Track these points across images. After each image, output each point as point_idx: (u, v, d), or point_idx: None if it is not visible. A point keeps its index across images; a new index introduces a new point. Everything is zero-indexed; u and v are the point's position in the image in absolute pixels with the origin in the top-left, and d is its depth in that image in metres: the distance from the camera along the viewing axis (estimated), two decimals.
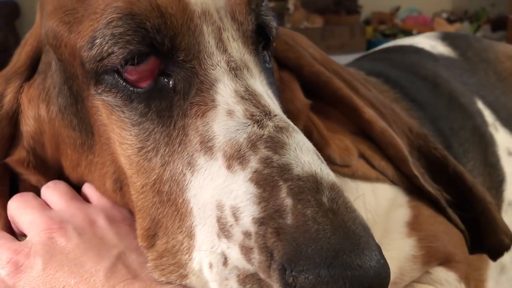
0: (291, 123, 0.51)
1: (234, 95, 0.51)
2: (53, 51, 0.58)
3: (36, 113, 0.62)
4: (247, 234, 0.44)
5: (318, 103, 0.76)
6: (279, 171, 0.45)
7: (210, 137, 0.49)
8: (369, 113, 0.75)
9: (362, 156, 0.75)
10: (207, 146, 0.49)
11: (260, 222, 0.44)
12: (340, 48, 4.85)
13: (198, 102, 0.51)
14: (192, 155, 0.50)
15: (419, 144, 0.82)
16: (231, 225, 0.46)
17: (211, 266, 0.47)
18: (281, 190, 0.44)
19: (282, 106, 0.68)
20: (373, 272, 0.41)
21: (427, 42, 1.36)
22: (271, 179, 0.45)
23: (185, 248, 0.50)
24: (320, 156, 0.50)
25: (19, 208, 0.61)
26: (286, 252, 0.41)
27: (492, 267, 1.00)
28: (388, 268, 0.43)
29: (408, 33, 4.57)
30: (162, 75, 0.52)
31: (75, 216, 0.58)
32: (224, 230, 0.46)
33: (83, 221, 0.57)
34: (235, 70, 0.52)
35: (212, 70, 0.52)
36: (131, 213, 0.58)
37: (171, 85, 0.52)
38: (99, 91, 0.54)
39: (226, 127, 0.49)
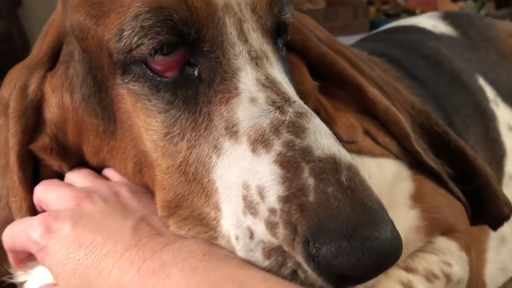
0: (309, 109, 0.55)
1: (256, 83, 0.54)
2: (77, 42, 0.61)
3: (60, 102, 0.65)
4: (272, 211, 0.48)
5: (324, 83, 0.79)
6: (301, 154, 0.49)
7: (234, 123, 0.53)
8: (373, 92, 0.78)
9: (367, 133, 0.78)
10: (232, 131, 0.53)
11: (285, 199, 0.47)
12: (343, 29, 4.83)
13: (222, 90, 0.54)
14: (217, 139, 0.53)
15: (421, 121, 0.85)
16: (257, 203, 0.49)
17: (237, 238, 0.51)
18: (303, 171, 0.48)
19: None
20: (388, 243, 0.45)
21: (428, 21, 1.38)
22: (294, 160, 0.49)
23: (212, 217, 0.53)
24: (336, 139, 0.53)
25: (46, 189, 0.65)
26: (309, 226, 0.45)
27: (493, 238, 1.05)
28: (401, 240, 0.47)
29: (411, 12, 4.55)
30: (187, 65, 0.56)
31: (100, 188, 0.62)
32: (250, 207, 0.50)
33: (107, 191, 0.62)
34: (256, 59, 0.56)
35: (235, 59, 0.55)
36: (151, 191, 0.62)
37: (196, 74, 0.55)
38: (126, 80, 0.57)
39: (250, 113, 0.52)
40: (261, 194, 0.49)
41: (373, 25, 4.61)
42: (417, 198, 0.76)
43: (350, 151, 0.73)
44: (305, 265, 0.46)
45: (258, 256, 0.49)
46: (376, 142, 0.78)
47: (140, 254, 0.51)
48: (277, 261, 0.48)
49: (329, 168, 0.48)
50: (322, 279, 0.47)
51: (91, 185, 0.64)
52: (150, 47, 0.53)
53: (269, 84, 0.54)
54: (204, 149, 0.54)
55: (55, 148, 0.67)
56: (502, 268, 1.07)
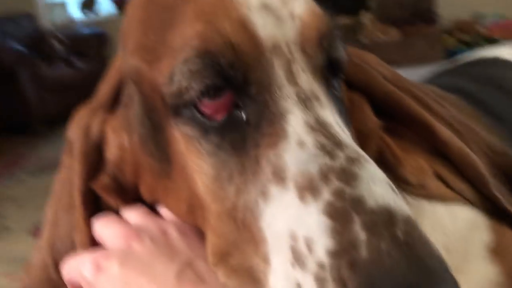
0: (363, 154, 0.51)
1: (304, 126, 0.51)
2: (135, 85, 0.63)
3: (119, 142, 0.66)
4: (321, 266, 0.45)
5: (391, 124, 0.75)
6: (352, 204, 0.45)
7: (282, 168, 0.50)
8: (445, 132, 0.73)
9: (438, 176, 0.72)
10: (279, 176, 0.50)
11: (335, 254, 0.44)
12: (418, 60, 4.71)
13: (270, 133, 0.52)
14: (265, 185, 0.51)
15: (500, 163, 0.79)
16: (305, 256, 0.46)
17: None
18: (355, 223, 0.44)
19: (352, 127, 0.69)
20: None
21: (511, 52, 1.29)
22: (344, 211, 0.45)
23: (261, 270, 0.51)
24: (394, 188, 0.50)
25: (102, 225, 0.67)
26: (360, 284, 0.42)
27: None
28: None
29: (492, 41, 4.34)
30: (235, 108, 0.55)
31: (150, 227, 0.63)
32: (298, 260, 0.47)
33: (157, 231, 0.62)
34: (305, 101, 0.53)
35: (283, 101, 0.53)
36: (202, 232, 0.61)
37: (244, 118, 0.54)
38: (177, 123, 0.57)
39: (298, 158, 0.50)
40: (309, 246, 0.46)
41: (450, 54, 4.44)
42: (497, 251, 0.69)
43: (419, 196, 0.69)
44: None
45: None
46: (449, 186, 0.72)
47: None
48: None
49: (382, 221, 0.44)
50: None
51: (143, 222, 0.65)
52: (198, 90, 0.53)
53: (319, 127, 0.51)
54: (251, 195, 0.52)
55: (113, 187, 0.68)
56: None
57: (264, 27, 0.54)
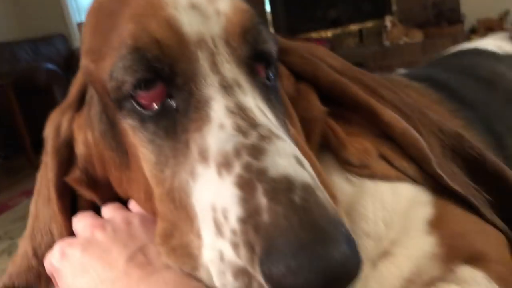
0: (277, 132, 0.56)
1: (225, 110, 0.57)
2: (91, 84, 0.70)
3: (84, 139, 0.73)
4: (234, 232, 0.49)
5: (339, 110, 0.80)
6: (257, 175, 0.50)
7: (205, 148, 0.56)
8: (389, 115, 0.77)
9: (383, 157, 0.77)
10: (203, 156, 0.56)
11: (243, 220, 0.49)
12: None
13: (196, 118, 0.58)
14: (193, 165, 0.57)
15: (452, 144, 0.82)
16: (222, 225, 0.51)
17: (212, 261, 0.53)
18: (258, 191, 0.49)
19: (298, 115, 0.74)
20: (337, 262, 0.44)
21: (493, 43, 1.33)
22: (250, 182, 0.50)
23: (195, 245, 0.56)
24: (302, 160, 0.54)
25: (77, 219, 0.73)
26: (262, 246, 0.46)
27: None
28: (357, 260, 0.46)
29: None
30: (167, 97, 0.61)
31: (116, 218, 0.69)
32: (219, 230, 0.52)
33: (121, 221, 0.68)
34: (227, 88, 0.59)
35: (206, 90, 0.59)
36: None
37: (174, 106, 0.60)
38: (122, 116, 0.64)
39: (218, 138, 0.55)
40: (225, 216, 0.51)
41: None
42: (436, 224, 0.72)
43: (362, 176, 0.74)
44: (265, 286, 0.47)
45: (229, 278, 0.51)
46: (393, 166, 0.76)
47: (126, 283, 0.56)
48: (244, 282, 0.49)
49: (281, 188, 0.48)
50: None
51: (112, 215, 0.71)
52: (131, 83, 0.60)
53: (238, 110, 0.57)
54: (183, 175, 0.58)
55: (85, 180, 0.75)
56: None
57: (190, 24, 0.60)
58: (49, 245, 0.75)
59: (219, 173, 0.53)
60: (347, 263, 0.45)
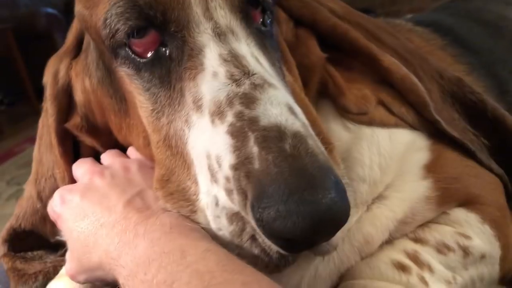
0: (270, 80, 0.56)
1: (218, 58, 0.57)
2: (86, 31, 0.69)
3: (82, 86, 0.73)
4: (227, 178, 0.51)
5: (340, 55, 0.79)
6: (249, 123, 0.51)
7: (199, 97, 0.56)
8: (388, 61, 0.76)
9: (382, 103, 0.76)
10: (197, 105, 0.56)
11: (235, 167, 0.50)
12: None
13: (190, 66, 0.58)
14: (187, 113, 0.57)
15: (452, 90, 0.82)
16: (216, 171, 0.53)
17: (207, 206, 0.55)
18: (250, 140, 0.50)
19: (296, 61, 0.73)
20: (324, 207, 0.45)
21: None
22: (242, 130, 0.51)
23: (192, 191, 0.58)
24: (294, 109, 0.55)
25: (77, 166, 0.74)
26: (254, 192, 0.48)
27: None
28: (344, 207, 0.48)
29: None
30: (161, 45, 0.60)
31: (115, 165, 0.70)
32: (213, 176, 0.53)
33: (119, 167, 0.69)
34: (220, 35, 0.58)
35: (200, 37, 0.58)
36: None
37: (167, 54, 0.60)
38: (118, 63, 0.64)
39: (211, 87, 0.56)
40: (219, 162, 0.52)
41: None
42: (431, 168, 0.73)
43: (360, 122, 0.74)
44: (257, 229, 0.49)
45: (224, 222, 0.53)
46: (392, 112, 0.76)
47: (124, 226, 0.58)
48: (238, 226, 0.51)
49: (272, 136, 0.49)
50: (273, 244, 0.49)
51: (111, 161, 0.72)
52: (123, 31, 0.59)
53: (231, 58, 0.56)
54: (178, 123, 0.58)
55: (85, 126, 0.76)
56: None
57: None
58: (53, 189, 0.77)
59: (213, 121, 0.54)
60: (334, 209, 0.46)
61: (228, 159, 0.51)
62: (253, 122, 0.51)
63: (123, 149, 0.76)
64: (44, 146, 0.80)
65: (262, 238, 0.50)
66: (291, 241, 0.47)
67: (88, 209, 0.63)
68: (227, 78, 0.55)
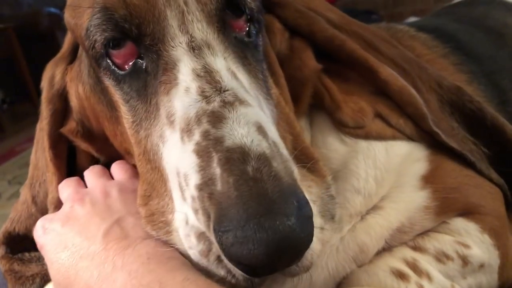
0: (242, 97, 0.55)
1: (191, 73, 0.56)
2: (75, 38, 0.69)
3: (76, 92, 0.73)
4: (193, 198, 0.50)
5: (337, 66, 0.78)
6: (213, 143, 0.50)
7: (172, 112, 0.56)
8: (386, 72, 0.75)
9: (379, 115, 0.76)
10: (170, 120, 0.56)
11: (200, 188, 0.50)
12: None
13: (165, 80, 0.57)
14: (162, 128, 0.57)
15: (450, 99, 0.81)
16: (185, 190, 0.52)
17: (179, 224, 0.54)
18: (213, 160, 0.49)
19: (289, 74, 0.72)
20: (280, 235, 0.44)
21: None
22: (207, 150, 0.50)
23: (169, 209, 0.57)
24: (265, 128, 0.53)
25: (62, 187, 0.74)
26: (215, 214, 0.47)
27: None
28: (304, 233, 0.46)
29: None
30: (138, 58, 0.60)
31: (95, 190, 0.69)
32: (183, 194, 0.53)
33: (99, 193, 0.68)
34: (195, 49, 0.57)
35: (174, 51, 0.58)
36: None
37: (144, 67, 0.60)
38: (102, 73, 0.64)
39: (183, 103, 0.55)
40: (187, 181, 0.52)
41: None
42: (429, 179, 0.73)
43: (357, 136, 0.74)
44: (220, 251, 0.48)
45: (193, 241, 0.52)
46: (389, 124, 0.76)
47: (103, 259, 0.57)
48: (206, 246, 0.51)
49: (235, 158, 0.48)
50: (234, 266, 0.48)
51: (92, 184, 0.71)
52: (100, 42, 0.59)
53: (204, 73, 0.56)
54: (154, 138, 0.58)
55: (80, 131, 0.75)
56: None
57: None
58: (47, 194, 0.78)
59: (182, 138, 0.53)
60: (291, 236, 0.45)
61: (194, 178, 0.50)
62: (217, 142, 0.50)
63: (118, 156, 0.76)
64: (40, 150, 0.81)
65: (226, 260, 0.49)
66: (248, 266, 0.46)
67: (68, 240, 0.63)
68: (198, 94, 0.54)
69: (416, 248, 0.70)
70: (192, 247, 0.52)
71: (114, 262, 0.56)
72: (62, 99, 0.76)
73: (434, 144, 0.76)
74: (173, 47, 0.58)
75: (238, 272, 0.49)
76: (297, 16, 0.76)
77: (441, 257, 0.69)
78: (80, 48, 0.72)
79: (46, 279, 0.79)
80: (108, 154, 0.77)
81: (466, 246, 0.70)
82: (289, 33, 0.77)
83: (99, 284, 0.56)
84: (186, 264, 0.54)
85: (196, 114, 0.53)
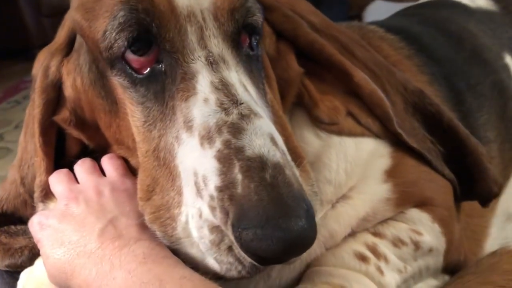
0: (255, 109, 0.62)
1: (210, 85, 0.63)
2: (81, 36, 0.73)
3: (73, 84, 0.77)
4: (212, 197, 0.58)
5: (315, 67, 0.86)
6: (235, 152, 0.58)
7: (190, 119, 0.62)
8: (359, 76, 0.83)
9: (350, 114, 0.84)
10: (188, 126, 0.62)
11: (220, 189, 0.57)
12: None
13: (183, 88, 0.64)
14: (178, 131, 0.63)
15: (414, 101, 0.90)
16: (202, 189, 0.59)
17: (192, 217, 0.61)
18: (235, 167, 0.57)
19: (276, 75, 0.80)
20: (295, 234, 0.53)
21: None
22: (229, 157, 0.58)
23: (176, 203, 0.64)
24: (276, 138, 0.61)
25: (54, 180, 0.79)
26: (235, 213, 0.55)
27: (498, 215, 1.08)
28: (312, 232, 0.56)
29: None
30: (157, 62, 0.65)
31: (88, 188, 0.74)
32: (199, 192, 0.60)
33: (93, 192, 0.73)
34: (213, 64, 0.64)
35: (193, 64, 0.64)
36: (133, 182, 0.73)
37: (163, 70, 0.65)
38: (113, 74, 0.68)
39: (202, 112, 0.62)
40: (205, 182, 0.59)
41: None
42: (391, 173, 0.82)
43: (331, 132, 0.82)
44: (235, 243, 0.56)
45: (205, 232, 0.59)
46: (359, 122, 0.84)
47: (100, 257, 0.63)
48: (218, 237, 0.58)
49: (255, 167, 0.57)
50: (248, 256, 0.56)
51: (84, 183, 0.76)
52: (124, 38, 0.64)
53: (222, 86, 0.63)
54: (169, 138, 0.64)
55: (73, 120, 0.80)
56: (505, 244, 1.09)
57: None
58: (35, 176, 0.82)
59: (202, 144, 0.61)
60: (303, 235, 0.55)
61: (214, 181, 0.58)
62: (239, 151, 0.58)
63: (106, 144, 0.80)
64: (30, 134, 0.84)
65: (238, 250, 0.57)
66: (263, 258, 0.55)
67: (65, 237, 0.68)
68: (217, 105, 0.61)
69: (376, 234, 0.80)
70: (203, 237, 0.59)
71: (112, 262, 0.61)
72: (55, 89, 0.79)
73: (397, 142, 0.85)
74: (192, 59, 0.64)
75: (247, 260, 0.57)
76: (283, 20, 0.83)
77: (397, 242, 0.79)
78: (79, 42, 0.76)
79: (34, 252, 0.83)
80: (97, 142, 0.82)
81: (419, 233, 0.81)
82: (275, 36, 0.84)
83: (99, 281, 0.61)
84: (180, 262, 0.61)
85: (217, 123, 0.60)
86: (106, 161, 0.78)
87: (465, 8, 1.31)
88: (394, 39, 1.10)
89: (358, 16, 3.28)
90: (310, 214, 0.56)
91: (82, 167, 0.79)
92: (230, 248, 0.58)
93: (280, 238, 0.53)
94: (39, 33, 4.92)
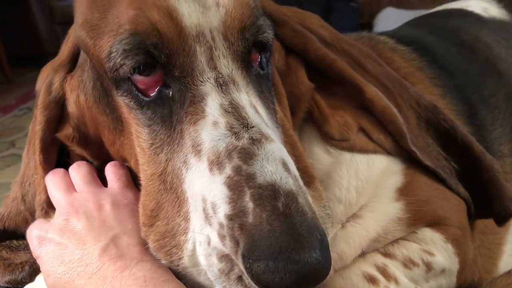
0: (267, 133, 0.60)
1: (219, 108, 0.60)
2: (85, 53, 0.71)
3: (77, 101, 0.75)
4: (221, 225, 0.55)
5: (325, 81, 0.83)
6: (246, 179, 0.55)
7: (199, 143, 0.60)
8: (371, 92, 0.81)
9: (362, 130, 0.82)
10: (196, 150, 0.60)
11: (230, 218, 0.55)
12: None
13: (191, 111, 0.61)
14: (186, 155, 0.61)
15: (427, 117, 0.87)
16: (211, 216, 0.57)
17: (200, 244, 0.59)
18: (246, 195, 0.54)
19: (286, 90, 0.77)
20: (309, 267, 0.51)
21: (479, 5, 1.34)
22: (239, 185, 0.55)
23: (182, 229, 0.61)
24: (288, 163, 0.59)
25: (51, 185, 0.77)
26: (246, 243, 0.53)
27: None
28: (327, 264, 0.53)
29: None
30: (164, 86, 0.63)
31: (88, 201, 0.72)
32: (207, 219, 0.57)
33: (93, 205, 0.71)
34: (222, 86, 0.62)
35: (202, 86, 0.61)
36: (135, 196, 0.71)
37: (170, 95, 0.63)
38: (119, 94, 0.66)
39: (211, 135, 0.59)
40: (214, 209, 0.56)
41: None
42: (404, 192, 0.80)
43: (342, 148, 0.79)
44: (245, 274, 0.54)
45: (214, 260, 0.57)
46: (371, 139, 0.82)
47: (101, 279, 0.62)
48: (227, 266, 0.56)
49: (266, 195, 0.54)
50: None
51: (83, 194, 0.74)
52: (130, 66, 0.61)
53: (232, 109, 0.60)
54: (176, 162, 0.62)
55: (76, 137, 0.78)
56: None
57: (190, 16, 0.61)
58: (35, 194, 0.80)
59: (211, 169, 0.58)
60: (318, 267, 0.52)
61: (223, 208, 0.55)
62: (250, 178, 0.55)
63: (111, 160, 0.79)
64: (32, 151, 0.83)
65: (248, 281, 0.54)
66: None
67: (65, 256, 0.66)
68: (227, 129, 0.59)
69: (386, 255, 0.77)
70: (212, 265, 0.57)
71: (112, 285, 0.60)
72: (58, 106, 0.78)
73: (410, 158, 0.82)
74: (201, 81, 0.61)
75: None
76: (293, 35, 0.81)
77: (408, 263, 0.76)
78: (83, 58, 0.74)
79: (34, 267, 0.82)
80: (101, 159, 0.80)
81: (431, 254, 0.78)
82: (285, 51, 0.82)
83: None
84: (181, 286, 0.60)
85: (226, 148, 0.57)
86: (110, 168, 0.76)
87: (477, 17, 1.28)
88: (405, 50, 1.08)
89: (369, 24, 3.26)
90: (324, 245, 0.53)
91: (78, 173, 0.77)
92: (240, 278, 0.55)
93: (293, 271, 0.50)
94: (52, 40, 4.93)
